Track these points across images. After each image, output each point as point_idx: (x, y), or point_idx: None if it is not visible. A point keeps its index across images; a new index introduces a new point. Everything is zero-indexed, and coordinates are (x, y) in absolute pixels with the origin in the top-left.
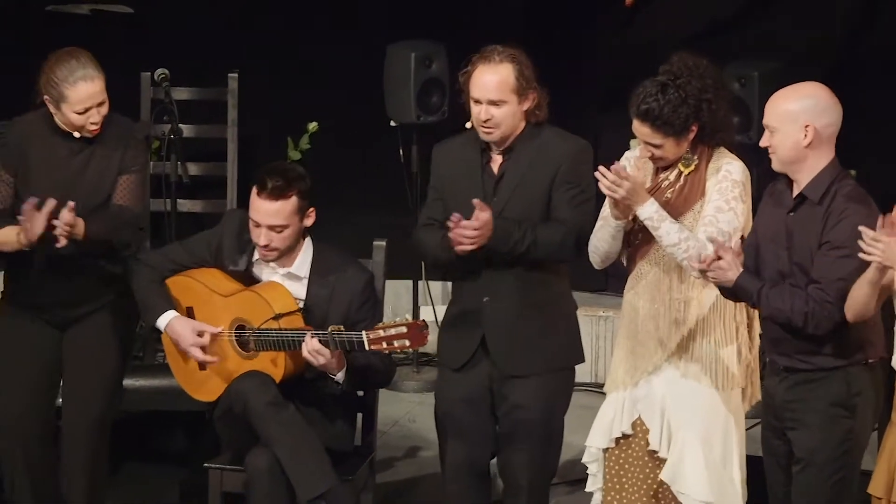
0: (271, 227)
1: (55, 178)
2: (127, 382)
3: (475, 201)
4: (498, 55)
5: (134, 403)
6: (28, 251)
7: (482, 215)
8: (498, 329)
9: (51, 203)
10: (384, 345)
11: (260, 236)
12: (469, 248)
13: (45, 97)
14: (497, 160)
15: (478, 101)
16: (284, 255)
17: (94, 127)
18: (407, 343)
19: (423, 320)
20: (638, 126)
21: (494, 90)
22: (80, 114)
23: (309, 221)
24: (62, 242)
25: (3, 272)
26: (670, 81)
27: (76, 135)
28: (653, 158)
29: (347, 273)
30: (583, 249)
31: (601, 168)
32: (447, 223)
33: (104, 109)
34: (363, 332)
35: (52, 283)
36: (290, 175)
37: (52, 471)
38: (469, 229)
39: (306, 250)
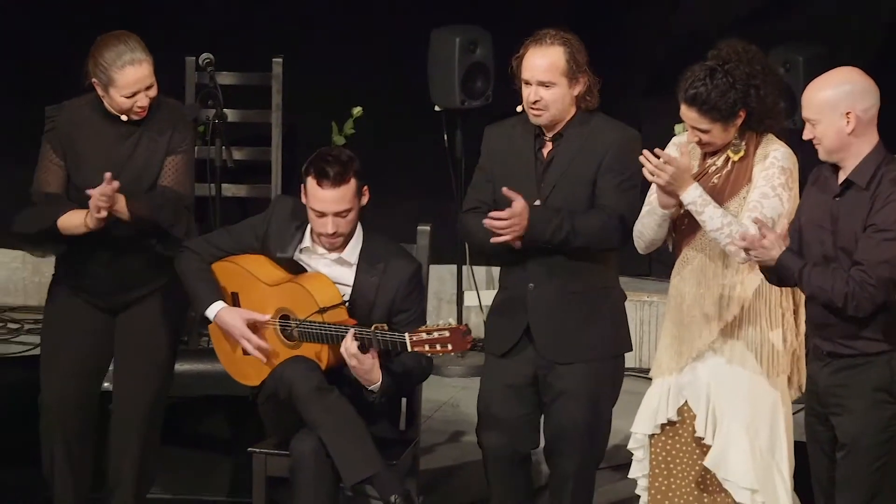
0: (337, 214)
1: (104, 162)
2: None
3: (504, 190)
4: (550, 38)
5: (178, 388)
6: (78, 237)
7: (515, 206)
8: (542, 316)
9: (114, 183)
10: (426, 347)
11: (327, 225)
12: (504, 238)
13: (94, 80)
14: (548, 145)
15: (528, 83)
16: (346, 237)
17: (141, 110)
18: (449, 347)
19: (466, 325)
20: (685, 111)
21: (544, 72)
22: (128, 97)
23: (365, 200)
24: (101, 214)
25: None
26: (719, 66)
27: (124, 118)
28: (700, 143)
29: (396, 262)
30: (628, 237)
31: (645, 152)
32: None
33: (152, 92)
34: (406, 334)
35: (102, 266)
36: (343, 159)
37: (91, 454)
38: (502, 220)
39: (358, 236)
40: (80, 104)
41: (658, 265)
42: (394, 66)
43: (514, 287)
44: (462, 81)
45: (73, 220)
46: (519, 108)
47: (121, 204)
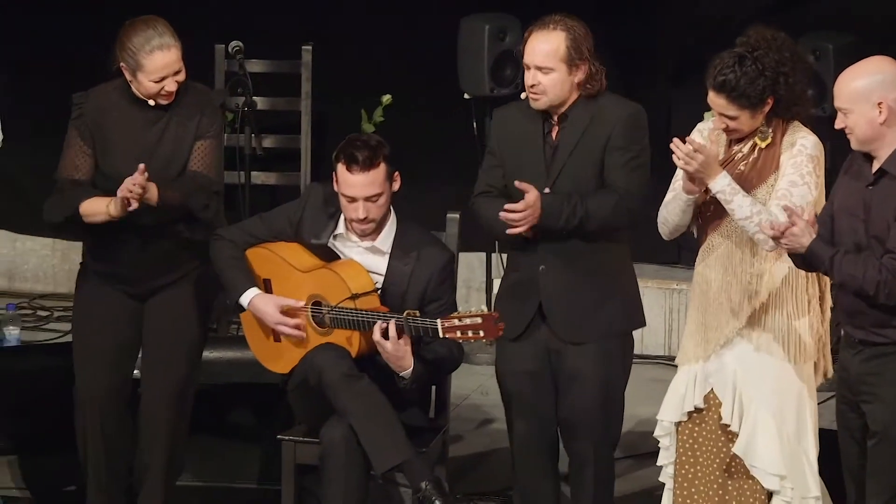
0: (368, 199)
1: (132, 147)
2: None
3: (517, 183)
4: (553, 23)
5: (208, 376)
6: (106, 223)
7: (528, 197)
8: (554, 296)
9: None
10: (458, 333)
11: (358, 210)
12: (519, 230)
13: (122, 65)
14: (556, 129)
15: (528, 67)
16: (380, 224)
17: (168, 95)
18: (481, 333)
19: (499, 312)
20: (714, 97)
21: (542, 56)
22: (156, 82)
23: (396, 185)
24: (133, 205)
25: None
26: (748, 53)
27: (151, 103)
28: (727, 130)
29: (429, 251)
30: (638, 215)
31: (675, 140)
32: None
33: (180, 77)
34: (437, 321)
35: (131, 253)
36: (372, 143)
37: (127, 443)
38: (515, 212)
39: (391, 225)
40: (107, 90)
41: (687, 253)
42: (423, 53)
43: (524, 270)
44: (491, 69)
45: (95, 208)
46: (523, 95)
47: (152, 192)
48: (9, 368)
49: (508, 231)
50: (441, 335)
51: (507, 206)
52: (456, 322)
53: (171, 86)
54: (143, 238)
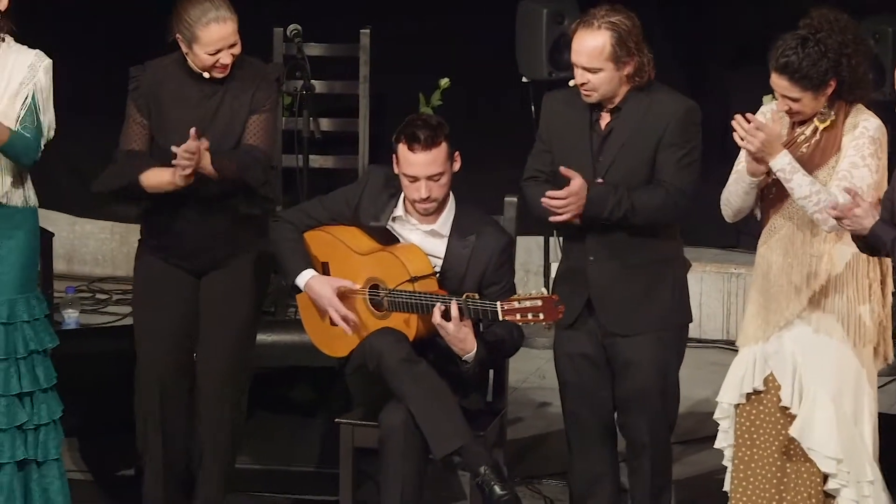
0: (430, 178)
1: (187, 120)
2: (259, 338)
3: (562, 169)
4: (598, 21)
5: (266, 359)
6: (163, 196)
7: (573, 185)
8: (602, 289)
9: (202, 141)
10: (518, 316)
11: (420, 189)
12: (562, 217)
13: (178, 36)
14: (605, 117)
15: (575, 65)
16: (440, 206)
17: (223, 68)
18: (541, 316)
19: (558, 295)
20: (776, 79)
21: (588, 57)
22: (211, 55)
23: (457, 166)
24: (187, 172)
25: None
26: (811, 35)
27: (206, 76)
28: (789, 112)
29: (488, 234)
30: (686, 212)
31: (737, 117)
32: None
33: (235, 51)
34: (497, 303)
35: (188, 226)
36: (433, 122)
37: (185, 426)
38: (559, 199)
39: (450, 208)
40: (163, 63)
41: (746, 237)
42: (481, 37)
43: (575, 259)
44: (549, 52)
45: (159, 178)
46: (571, 83)
47: (206, 161)
48: (68, 351)
49: (551, 218)
50: (500, 318)
51: (549, 193)
52: (516, 304)
53: (226, 58)
54: (201, 212)
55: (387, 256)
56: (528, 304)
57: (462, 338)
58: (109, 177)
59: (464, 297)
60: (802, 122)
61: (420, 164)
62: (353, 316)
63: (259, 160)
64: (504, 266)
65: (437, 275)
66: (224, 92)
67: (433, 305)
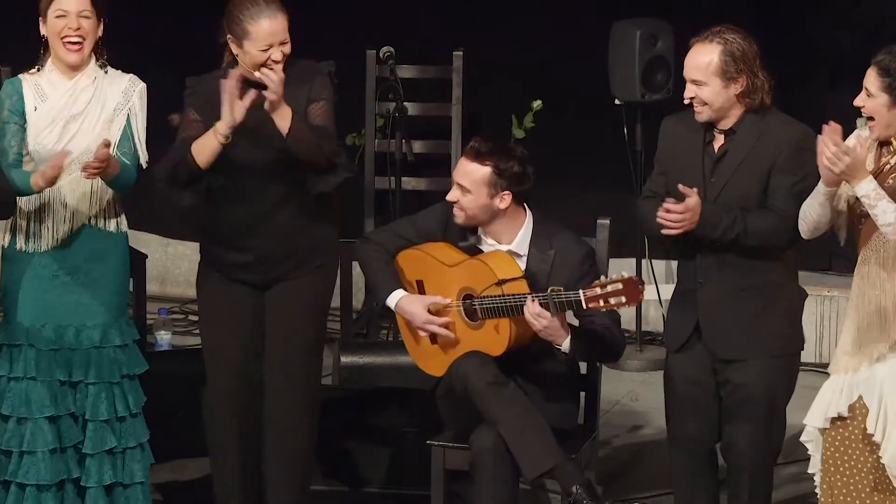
0: (459, 186)
1: (243, 126)
2: (351, 360)
3: (681, 187)
4: (710, 36)
5: (357, 381)
6: (225, 213)
7: (689, 201)
8: (710, 313)
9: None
10: (601, 302)
11: (453, 191)
12: (675, 232)
13: (229, 36)
14: (719, 139)
15: (687, 79)
16: (483, 223)
17: (274, 65)
18: (623, 300)
19: (639, 277)
20: (869, 71)
21: (693, 69)
22: (262, 51)
23: (501, 204)
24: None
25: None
26: None
27: (256, 74)
28: (865, 111)
29: (565, 247)
30: (797, 238)
31: (822, 138)
32: (664, 202)
33: (286, 49)
34: (580, 291)
35: (253, 240)
36: (498, 147)
37: (255, 448)
38: (674, 213)
39: (527, 226)
40: (217, 75)
41: (838, 259)
42: (574, 59)
43: (686, 282)
44: (642, 75)
45: (204, 142)
46: (686, 101)
47: (285, 113)
48: (161, 372)
49: (664, 231)
50: (584, 305)
51: (665, 206)
52: (598, 291)
53: (276, 55)
54: (260, 222)
55: (474, 263)
56: (609, 288)
57: (556, 328)
58: (167, 160)
59: (549, 290)
60: (885, 144)
61: (458, 168)
62: (444, 331)
63: (328, 134)
64: (587, 276)
65: (525, 276)
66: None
67: (521, 306)
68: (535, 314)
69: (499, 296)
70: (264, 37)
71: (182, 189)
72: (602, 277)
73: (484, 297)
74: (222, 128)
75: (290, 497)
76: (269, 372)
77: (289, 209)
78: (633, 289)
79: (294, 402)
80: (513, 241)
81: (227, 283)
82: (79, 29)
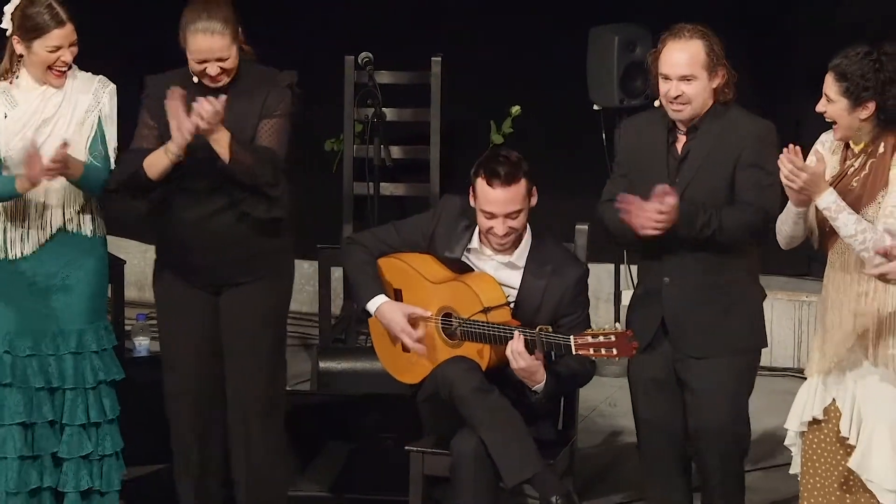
0: (508, 215)
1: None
2: (329, 365)
3: (660, 186)
4: (688, 32)
5: (335, 386)
6: (175, 215)
7: (669, 200)
8: (677, 310)
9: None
10: (591, 351)
11: (497, 226)
12: (654, 232)
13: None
14: (681, 139)
15: (667, 78)
16: (516, 239)
17: (209, 79)
18: (614, 352)
19: (633, 331)
20: (827, 75)
21: (685, 66)
22: (197, 62)
23: (534, 201)
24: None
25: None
26: (874, 51)
27: (207, 82)
28: (826, 116)
29: (563, 265)
30: (768, 233)
31: (782, 157)
32: (618, 202)
33: (226, 65)
34: (571, 337)
35: (200, 242)
36: (513, 159)
37: (221, 447)
38: (655, 213)
39: (527, 239)
40: (174, 74)
41: (817, 265)
42: (552, 64)
43: (650, 281)
44: (621, 80)
45: (156, 158)
46: (657, 103)
47: (223, 141)
48: (139, 378)
49: (642, 231)
50: (574, 352)
51: (651, 207)
52: (589, 339)
53: (212, 70)
54: (207, 210)
55: (459, 286)
56: (601, 338)
57: (533, 370)
58: (119, 171)
59: (537, 329)
60: (848, 146)
61: (499, 201)
62: (419, 346)
63: (271, 160)
64: (579, 297)
65: (511, 305)
66: (231, 100)
67: (506, 337)
68: (517, 353)
69: (483, 322)
70: (198, 50)
71: (135, 199)
72: (594, 327)
73: (466, 321)
74: (173, 147)
75: (251, 499)
76: (227, 377)
77: (232, 216)
78: (626, 344)
79: (252, 407)
80: (513, 254)
81: (183, 286)
82: (66, 58)
